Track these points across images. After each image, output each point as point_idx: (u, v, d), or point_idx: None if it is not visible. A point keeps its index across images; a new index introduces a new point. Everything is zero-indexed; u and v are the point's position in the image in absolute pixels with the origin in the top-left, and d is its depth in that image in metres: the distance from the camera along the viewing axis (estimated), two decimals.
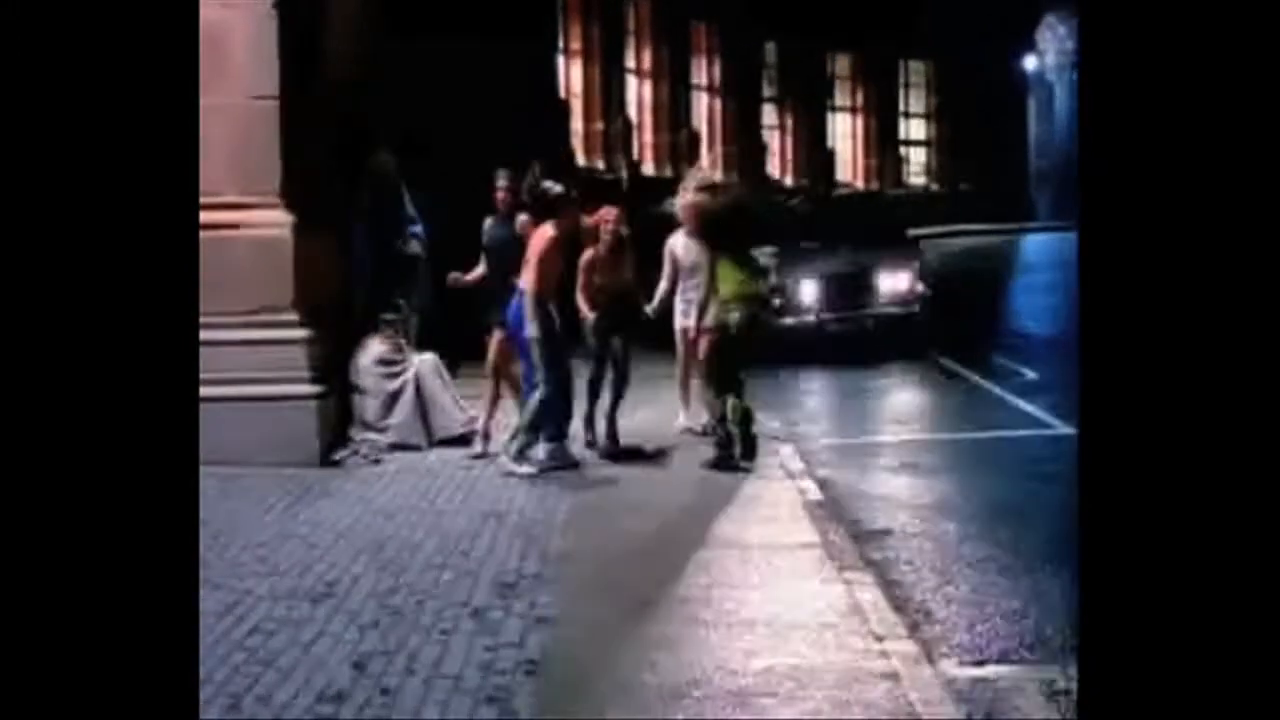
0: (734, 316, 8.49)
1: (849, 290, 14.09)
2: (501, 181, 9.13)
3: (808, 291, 13.98)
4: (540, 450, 8.31)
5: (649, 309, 9.37)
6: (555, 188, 8.57)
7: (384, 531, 6.86)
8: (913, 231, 19.51)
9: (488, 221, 9.27)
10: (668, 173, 26.00)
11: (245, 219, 8.59)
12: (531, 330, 8.24)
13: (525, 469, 8.12)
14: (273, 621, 5.41)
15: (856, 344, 13.60)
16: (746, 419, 8.45)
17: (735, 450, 8.36)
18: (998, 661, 5.20)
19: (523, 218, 8.78)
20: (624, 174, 23.98)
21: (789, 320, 13.33)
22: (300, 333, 8.65)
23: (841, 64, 31.98)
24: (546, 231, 8.32)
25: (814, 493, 7.78)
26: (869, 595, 5.72)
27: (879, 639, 5.13)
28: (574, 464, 8.39)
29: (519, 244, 8.63)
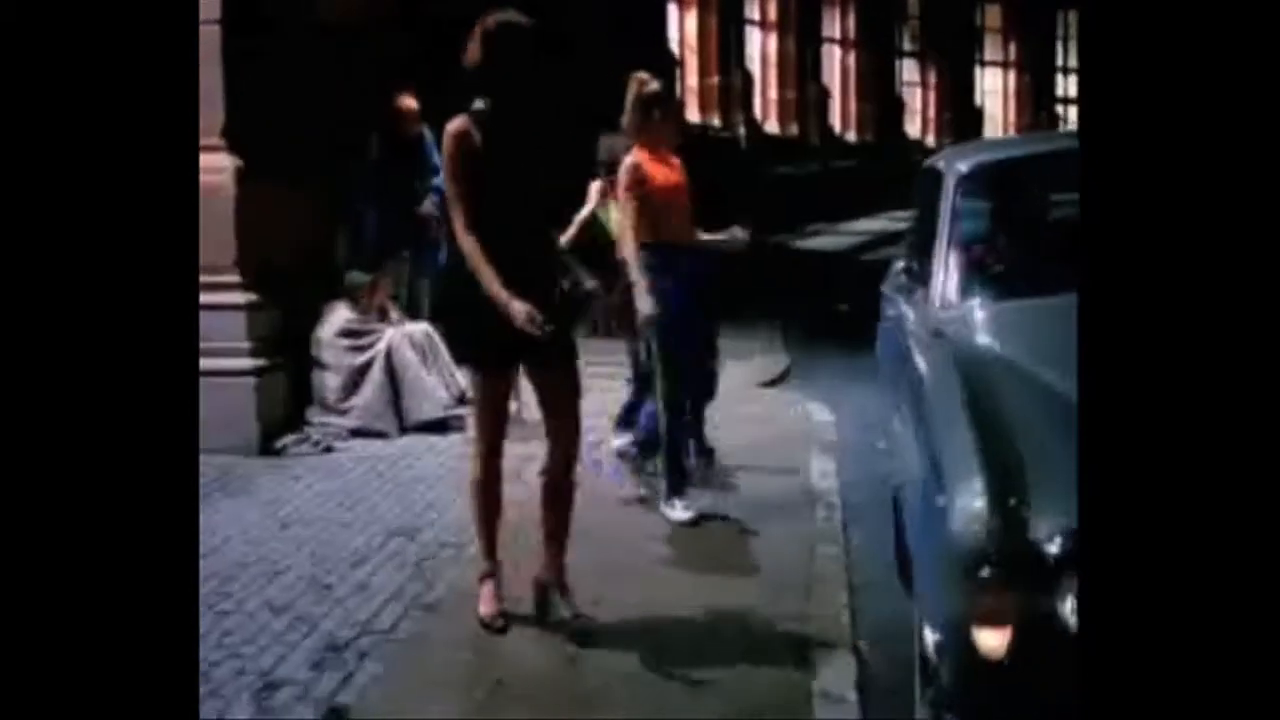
0: None
1: None
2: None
3: None
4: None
5: None
6: (652, 84, 6.03)
7: (261, 550, 5.52)
8: None
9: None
10: (793, 131, 24.40)
11: None
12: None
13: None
14: None
15: None
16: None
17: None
18: None
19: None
20: (741, 131, 22.42)
21: None
22: (242, 297, 7.36)
23: (991, 15, 29.68)
24: (626, 160, 5.96)
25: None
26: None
27: None
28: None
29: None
